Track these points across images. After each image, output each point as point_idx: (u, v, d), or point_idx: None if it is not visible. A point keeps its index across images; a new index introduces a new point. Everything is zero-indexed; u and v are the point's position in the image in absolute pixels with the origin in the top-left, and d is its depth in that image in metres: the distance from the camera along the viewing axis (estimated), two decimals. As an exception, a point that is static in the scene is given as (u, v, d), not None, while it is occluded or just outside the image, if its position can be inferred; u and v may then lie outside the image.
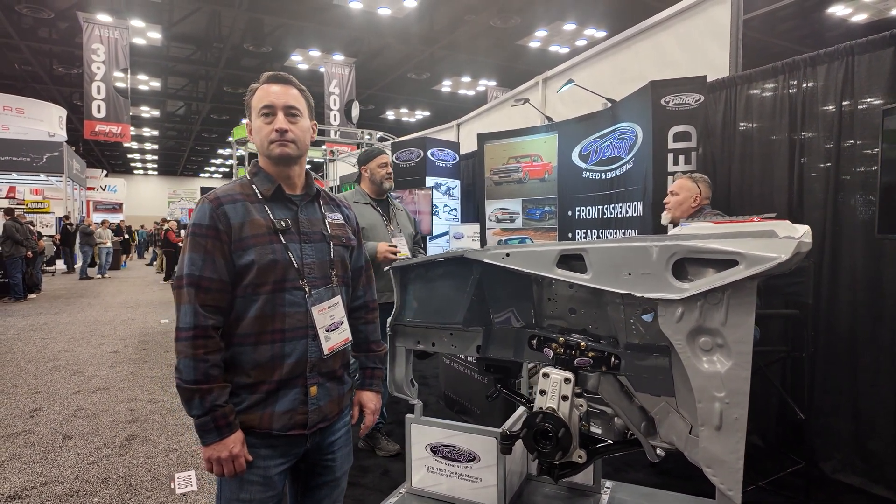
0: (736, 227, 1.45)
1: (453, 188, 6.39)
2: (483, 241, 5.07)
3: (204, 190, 30.49)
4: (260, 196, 1.44)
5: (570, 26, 12.43)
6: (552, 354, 1.70)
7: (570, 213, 4.33)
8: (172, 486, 2.97)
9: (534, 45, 13.54)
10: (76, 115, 18.24)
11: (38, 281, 11.47)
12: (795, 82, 3.16)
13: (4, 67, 15.33)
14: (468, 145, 6.87)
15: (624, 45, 4.66)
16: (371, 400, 1.65)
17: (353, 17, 11.98)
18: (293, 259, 1.40)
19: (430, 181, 6.05)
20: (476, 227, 5.46)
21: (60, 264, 16.71)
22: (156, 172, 37.32)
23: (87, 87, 12.75)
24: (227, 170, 34.61)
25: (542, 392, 1.63)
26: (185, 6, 11.82)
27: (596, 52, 4.96)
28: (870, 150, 2.85)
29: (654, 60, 4.30)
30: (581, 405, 1.62)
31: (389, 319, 2.04)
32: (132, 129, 20.45)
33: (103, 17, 12.24)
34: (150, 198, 36.05)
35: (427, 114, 20.74)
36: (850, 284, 2.90)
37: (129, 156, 30.61)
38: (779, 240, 1.30)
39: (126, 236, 20.26)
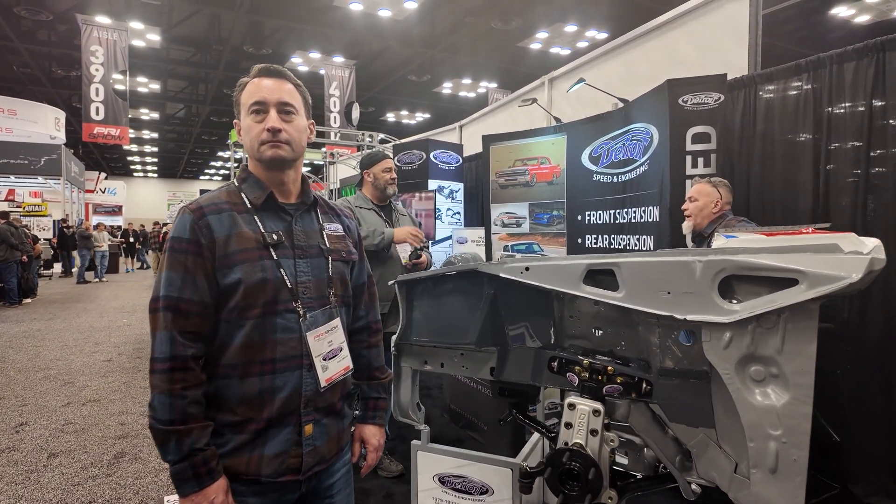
0: (791, 241, 1.28)
1: (456, 191, 6.22)
2: (488, 247, 4.89)
3: (204, 192, 30.29)
4: (249, 205, 1.27)
5: (571, 28, 12.30)
6: (577, 380, 1.52)
7: (579, 217, 4.15)
8: (162, 510, 2.80)
9: (535, 46, 13.41)
10: (75, 117, 18.10)
11: (33, 286, 11.31)
12: (821, 81, 2.98)
13: (3, 70, 15.19)
14: (471, 147, 6.70)
15: (633, 43, 4.49)
16: (374, 435, 1.47)
17: (353, 19, 11.84)
18: (286, 277, 1.23)
19: (432, 184, 5.88)
20: (480, 232, 5.28)
21: (58, 268, 16.54)
22: (156, 175, 37.17)
23: (85, 89, 12.65)
24: (227, 172, 34.45)
25: (568, 425, 1.45)
26: (184, 8, 11.69)
27: (604, 51, 4.79)
28: (904, 153, 2.67)
29: (666, 59, 4.13)
30: (612, 440, 1.44)
31: (394, 338, 1.86)
32: (131, 131, 20.37)
33: (102, 19, 12.11)
34: (149, 200, 35.89)
35: (427, 116, 20.60)
36: (886, 297, 2.72)
37: (129, 158, 30.47)
38: (846, 256, 1.12)
39: (131, 240, 20.00)
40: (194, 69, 15.61)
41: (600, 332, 1.61)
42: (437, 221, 5.82)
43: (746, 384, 1.23)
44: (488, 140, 4.83)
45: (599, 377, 1.53)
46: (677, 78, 3.15)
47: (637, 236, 3.48)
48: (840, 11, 10.85)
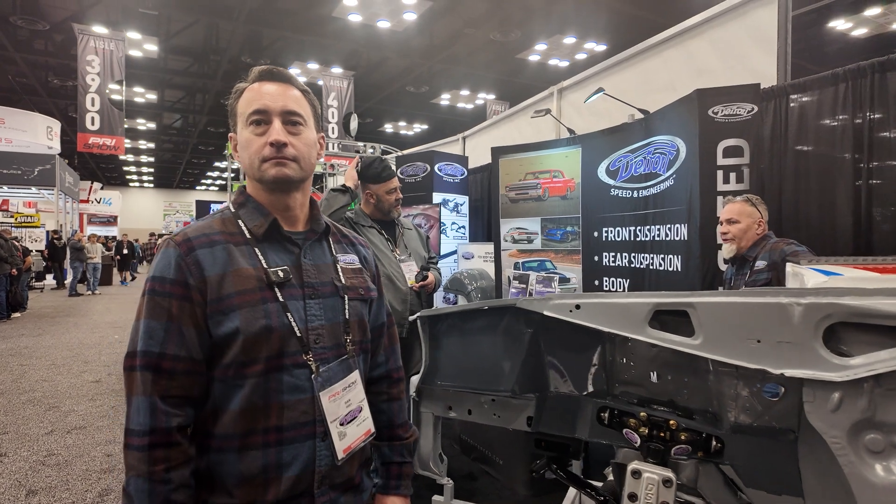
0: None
1: (461, 204, 6.00)
2: (497, 263, 4.66)
3: (200, 204, 30.05)
4: (248, 235, 1.04)
5: (570, 40, 12.21)
6: (639, 439, 1.29)
7: (595, 234, 3.94)
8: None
9: (533, 58, 13.31)
10: (71, 127, 17.88)
11: (22, 300, 10.99)
12: (861, 91, 2.79)
13: (0, 80, 14.99)
14: (475, 159, 6.50)
15: (650, 52, 4.30)
16: (399, 510, 1.22)
17: (352, 31, 11.71)
18: (294, 323, 1.00)
19: (437, 197, 5.66)
20: (487, 247, 5.06)
21: (50, 279, 16.21)
22: (152, 185, 36.89)
23: (81, 98, 12.48)
24: (224, 182, 34.24)
25: (633, 497, 1.21)
26: (182, 18, 11.56)
27: (619, 59, 4.61)
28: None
29: (687, 68, 3.95)
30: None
31: (414, 380, 1.62)
32: (128, 141, 20.16)
33: (99, 29, 11.95)
34: (145, 211, 35.59)
35: (425, 127, 20.48)
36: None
37: (125, 168, 30.23)
38: None
39: (125, 251, 19.58)
40: (191, 79, 15.46)
41: (658, 378, 1.39)
42: (442, 236, 5.60)
43: (861, 456, 1.00)
44: (497, 152, 4.62)
45: (661, 433, 1.30)
46: (707, 88, 2.95)
47: (662, 255, 3.26)
48: (837, 24, 10.76)
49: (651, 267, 3.38)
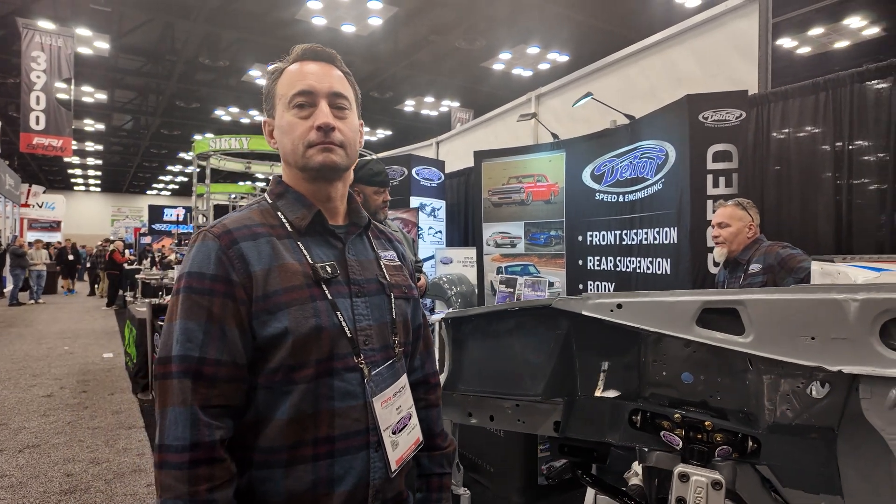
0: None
1: (438, 209, 5.95)
2: (480, 268, 4.62)
3: (152, 208, 28.86)
4: (290, 228, 0.95)
5: (533, 50, 12.39)
6: (680, 442, 1.25)
7: (580, 238, 3.95)
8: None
9: (497, 67, 13.44)
10: (11, 126, 16.87)
11: (-41, 310, 10.22)
12: (841, 99, 2.90)
13: (-67, 75, 14.02)
14: (450, 164, 6.47)
15: (630, 59, 4.38)
16: (439, 526, 1.13)
17: (316, 34, 11.50)
18: (344, 323, 0.92)
19: (414, 201, 5.59)
20: (468, 252, 5.02)
21: (-9, 288, 15.20)
22: (99, 189, 35.21)
23: (24, 97, 11.78)
24: (177, 187, 33.04)
25: (681, 501, 1.17)
26: (136, 16, 11.08)
27: (598, 67, 4.67)
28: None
29: (667, 76, 4.03)
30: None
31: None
32: (74, 142, 19.17)
33: (45, 24, 11.31)
34: (91, 216, 33.86)
35: (389, 133, 20.35)
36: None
37: (70, 171, 28.72)
38: None
39: (71, 257, 18.44)
40: (145, 80, 14.85)
41: (690, 378, 1.36)
42: (419, 240, 5.53)
43: (922, 453, 0.99)
44: (480, 156, 4.60)
45: (699, 435, 1.28)
46: (696, 94, 3.01)
47: (651, 259, 3.30)
48: (784, 42, 11.32)
49: (638, 270, 3.41)
